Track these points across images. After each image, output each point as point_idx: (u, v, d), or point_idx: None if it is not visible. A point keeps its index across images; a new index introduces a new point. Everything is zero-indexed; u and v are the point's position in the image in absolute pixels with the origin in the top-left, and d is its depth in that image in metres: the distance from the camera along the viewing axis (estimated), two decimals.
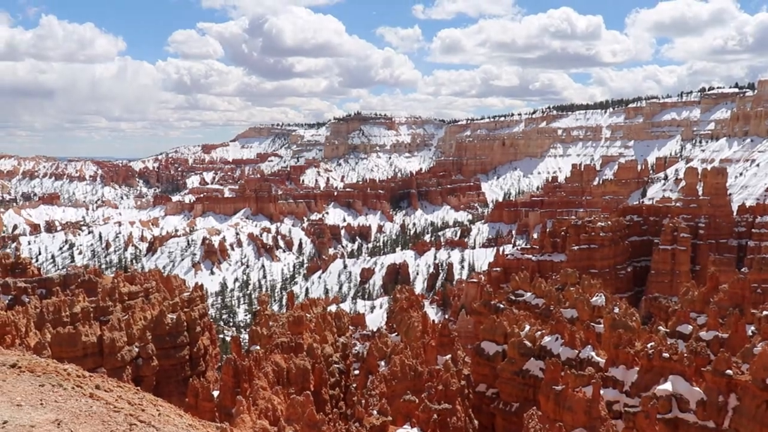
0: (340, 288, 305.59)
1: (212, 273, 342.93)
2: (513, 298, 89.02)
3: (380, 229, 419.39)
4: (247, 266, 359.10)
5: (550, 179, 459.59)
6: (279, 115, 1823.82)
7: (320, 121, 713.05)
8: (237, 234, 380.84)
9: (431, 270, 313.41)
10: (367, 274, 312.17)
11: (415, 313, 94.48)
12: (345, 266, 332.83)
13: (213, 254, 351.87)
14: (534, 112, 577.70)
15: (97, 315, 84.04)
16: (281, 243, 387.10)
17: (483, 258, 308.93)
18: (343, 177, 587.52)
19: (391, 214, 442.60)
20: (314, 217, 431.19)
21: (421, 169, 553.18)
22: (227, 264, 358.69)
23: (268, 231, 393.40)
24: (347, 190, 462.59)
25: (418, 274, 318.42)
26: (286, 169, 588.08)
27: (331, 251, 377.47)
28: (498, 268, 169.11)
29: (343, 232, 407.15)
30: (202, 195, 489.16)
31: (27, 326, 73.07)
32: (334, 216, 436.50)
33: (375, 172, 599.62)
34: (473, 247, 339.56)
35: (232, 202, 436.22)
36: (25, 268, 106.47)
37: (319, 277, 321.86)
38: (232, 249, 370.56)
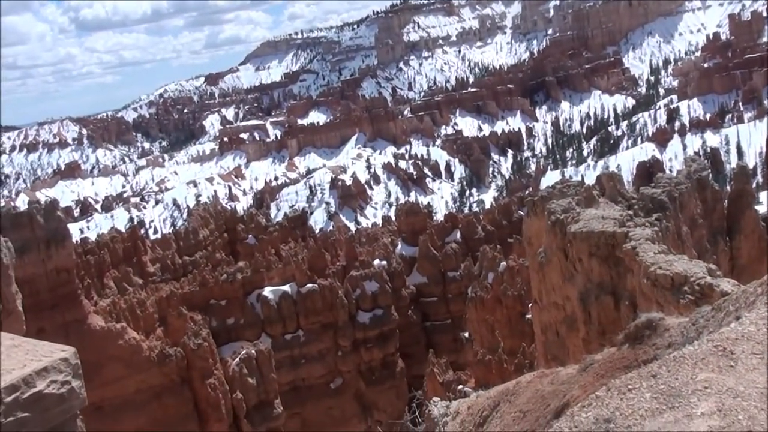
0: None
1: (357, 223, 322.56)
2: None
3: (530, 133, 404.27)
4: (396, 206, 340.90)
5: (711, 37, 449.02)
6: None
7: (353, 20, 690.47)
8: (369, 167, 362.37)
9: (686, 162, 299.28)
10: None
11: None
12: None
13: (351, 198, 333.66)
14: None
15: None
16: (425, 170, 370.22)
17: (750, 137, 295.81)
18: (410, 84, 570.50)
19: (533, 112, 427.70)
20: (447, 131, 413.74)
21: (532, 54, 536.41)
22: (371, 208, 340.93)
23: (404, 157, 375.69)
24: (471, 90, 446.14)
25: (671, 170, 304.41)
26: (335, 87, 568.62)
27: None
28: None
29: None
30: (234, 137, 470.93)
31: None
32: (466, 125, 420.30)
33: (446, 72, 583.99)
34: (728, 126, 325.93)
35: (337, 128, 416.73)
36: None
37: None
38: (370, 187, 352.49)
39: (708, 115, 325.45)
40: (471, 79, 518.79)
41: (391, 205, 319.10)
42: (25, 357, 5.28)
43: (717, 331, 7.49)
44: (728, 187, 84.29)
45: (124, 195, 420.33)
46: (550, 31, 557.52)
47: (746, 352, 6.61)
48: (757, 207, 62.14)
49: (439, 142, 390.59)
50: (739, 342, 6.81)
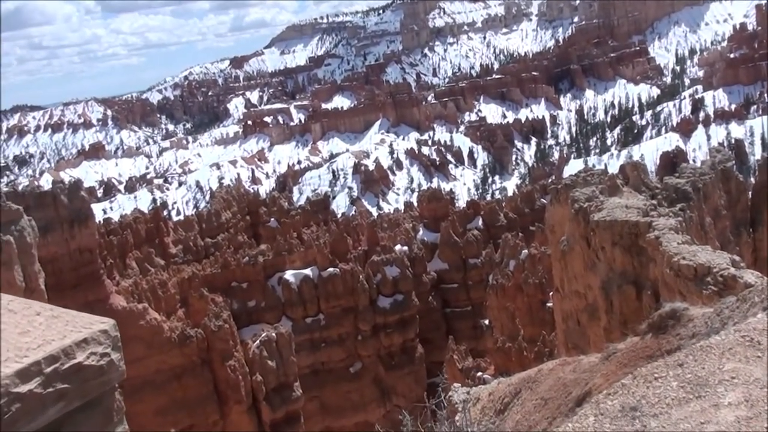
0: None
1: (379, 208, 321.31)
2: None
3: (554, 120, 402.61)
4: (419, 192, 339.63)
5: (738, 27, 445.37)
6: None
7: (379, 5, 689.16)
8: (392, 152, 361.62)
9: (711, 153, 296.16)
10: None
11: None
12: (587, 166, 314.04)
13: (374, 183, 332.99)
14: None
15: None
16: (448, 156, 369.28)
17: None
18: (435, 70, 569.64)
19: (558, 100, 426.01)
20: (471, 117, 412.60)
21: (557, 42, 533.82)
22: (393, 193, 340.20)
23: (427, 143, 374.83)
24: (496, 77, 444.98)
25: (695, 160, 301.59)
26: (360, 72, 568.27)
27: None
28: None
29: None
30: (258, 120, 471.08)
31: None
32: (490, 112, 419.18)
33: (471, 58, 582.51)
34: (753, 117, 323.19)
35: (360, 113, 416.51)
36: None
37: None
38: (392, 173, 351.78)
39: (733, 106, 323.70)
40: (496, 66, 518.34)
41: (413, 191, 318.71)
42: (64, 328, 5.26)
43: (743, 322, 7.43)
44: (752, 179, 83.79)
45: (148, 176, 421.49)
46: (575, 19, 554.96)
47: None
48: None
49: (462, 128, 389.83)
50: (766, 333, 6.75)
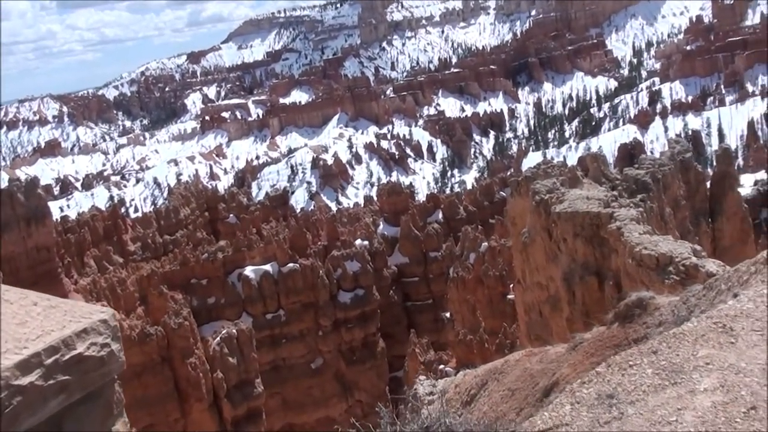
0: None
1: (338, 202, 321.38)
2: None
3: (512, 114, 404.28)
4: (378, 186, 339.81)
5: (694, 20, 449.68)
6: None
7: None
8: (351, 147, 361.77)
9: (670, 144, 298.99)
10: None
11: None
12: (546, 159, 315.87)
13: (333, 178, 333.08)
14: None
15: None
16: (407, 150, 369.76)
17: (731, 120, 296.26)
18: (393, 64, 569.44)
19: (516, 93, 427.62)
20: (429, 111, 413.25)
21: (515, 35, 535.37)
22: (353, 188, 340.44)
23: (386, 137, 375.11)
24: (454, 71, 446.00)
25: (652, 152, 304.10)
26: (318, 66, 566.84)
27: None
28: None
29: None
30: (216, 115, 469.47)
31: None
32: (449, 106, 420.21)
33: (430, 52, 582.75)
34: (709, 109, 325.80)
35: (319, 108, 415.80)
36: None
37: None
38: (351, 167, 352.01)
39: (690, 98, 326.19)
40: (454, 60, 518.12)
41: (372, 185, 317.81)
42: (63, 318, 5.17)
43: (715, 309, 7.46)
44: (709, 170, 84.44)
45: (105, 173, 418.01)
46: (533, 12, 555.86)
47: (746, 329, 6.59)
48: (738, 189, 62.58)
49: (421, 122, 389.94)
50: (739, 319, 6.78)
